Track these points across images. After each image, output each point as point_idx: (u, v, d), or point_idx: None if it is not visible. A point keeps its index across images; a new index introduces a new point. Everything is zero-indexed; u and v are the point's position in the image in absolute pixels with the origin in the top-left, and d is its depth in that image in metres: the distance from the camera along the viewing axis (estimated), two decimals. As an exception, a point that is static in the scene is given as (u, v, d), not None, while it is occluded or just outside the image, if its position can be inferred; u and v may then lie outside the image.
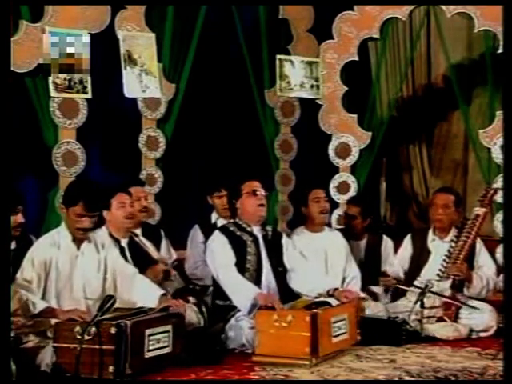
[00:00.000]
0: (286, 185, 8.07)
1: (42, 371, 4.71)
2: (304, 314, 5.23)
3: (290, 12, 8.01)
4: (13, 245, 5.25)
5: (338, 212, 7.80)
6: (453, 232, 6.53)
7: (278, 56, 7.95)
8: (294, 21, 8.04)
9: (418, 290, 6.10)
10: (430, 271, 6.43)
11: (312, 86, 8.05)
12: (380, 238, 7.07)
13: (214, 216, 6.82)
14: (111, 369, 4.60)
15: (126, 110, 7.11)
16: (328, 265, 6.54)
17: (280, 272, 5.95)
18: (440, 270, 6.34)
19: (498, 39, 7.35)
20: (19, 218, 5.04)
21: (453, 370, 5.06)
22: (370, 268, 6.82)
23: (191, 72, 7.28)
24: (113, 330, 4.62)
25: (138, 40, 6.99)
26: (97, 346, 4.62)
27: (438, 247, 6.55)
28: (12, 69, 6.04)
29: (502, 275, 6.21)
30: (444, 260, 6.37)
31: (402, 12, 7.87)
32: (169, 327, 4.98)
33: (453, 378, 4.91)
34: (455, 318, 6.19)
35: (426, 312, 6.06)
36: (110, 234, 5.79)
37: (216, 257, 5.83)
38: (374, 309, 6.24)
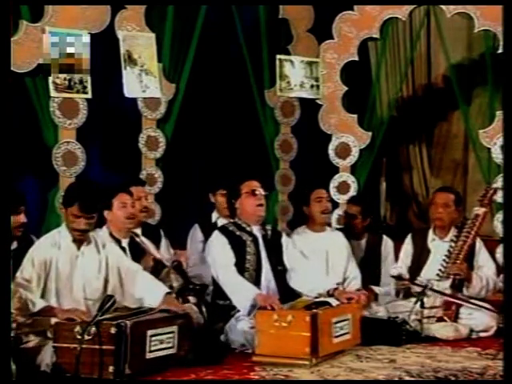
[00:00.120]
0: (286, 185, 8.07)
1: (41, 371, 4.72)
2: (304, 314, 5.22)
3: (290, 12, 8.00)
4: (14, 244, 5.25)
5: (338, 212, 7.80)
6: (452, 232, 6.54)
7: (278, 56, 7.95)
8: (294, 21, 8.04)
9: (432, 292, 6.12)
10: (430, 271, 6.44)
11: (312, 86, 8.05)
12: (380, 238, 7.07)
13: (214, 215, 6.82)
14: (111, 369, 4.60)
15: (126, 110, 7.11)
16: (329, 265, 6.55)
17: (279, 271, 5.95)
18: (440, 269, 6.35)
19: (498, 39, 7.34)
20: (21, 218, 5.03)
21: (453, 369, 5.06)
22: (370, 268, 6.83)
23: (191, 72, 7.28)
24: (113, 330, 4.62)
25: (138, 40, 6.98)
26: (97, 346, 4.61)
27: (438, 247, 6.55)
28: (12, 69, 6.04)
29: (501, 275, 6.22)
30: (444, 260, 6.38)
31: (402, 12, 7.87)
32: (174, 328, 4.98)
33: (453, 378, 4.91)
34: (455, 318, 6.20)
35: (426, 312, 6.07)
36: (111, 234, 5.79)
37: (216, 257, 5.84)
38: (374, 309, 6.25)
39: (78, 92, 6.57)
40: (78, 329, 4.65)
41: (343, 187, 7.95)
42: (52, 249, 5.11)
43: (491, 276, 6.44)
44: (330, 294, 5.77)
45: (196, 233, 6.71)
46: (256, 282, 5.80)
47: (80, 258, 5.17)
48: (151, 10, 7.06)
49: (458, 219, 6.63)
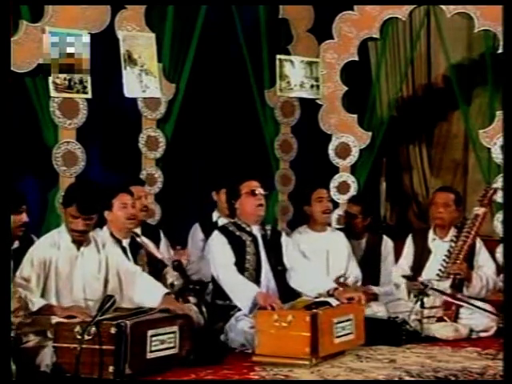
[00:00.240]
0: (286, 185, 8.07)
1: (41, 371, 4.72)
2: (304, 314, 5.22)
3: (290, 12, 8.00)
4: (16, 244, 5.25)
5: (338, 212, 7.80)
6: (452, 231, 6.55)
7: (278, 56, 7.94)
8: (294, 21, 8.03)
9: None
10: (430, 271, 6.44)
11: (312, 86, 8.04)
12: (380, 238, 7.07)
13: (215, 215, 6.83)
14: (111, 369, 4.60)
15: (126, 110, 7.11)
16: (329, 265, 6.56)
17: (279, 271, 5.95)
18: (440, 269, 6.35)
19: (498, 39, 7.34)
20: (23, 218, 5.02)
21: (453, 369, 5.06)
22: (370, 267, 6.83)
23: (191, 72, 7.27)
24: (113, 330, 4.62)
25: (138, 40, 6.98)
26: (97, 346, 4.62)
27: (439, 247, 6.56)
28: (12, 69, 6.04)
29: (501, 275, 6.22)
30: (444, 260, 6.38)
31: (402, 12, 7.87)
32: (175, 328, 4.98)
33: (453, 378, 4.91)
34: (455, 318, 6.20)
35: (426, 312, 6.07)
36: (112, 235, 5.78)
37: (216, 256, 5.85)
38: (374, 309, 6.25)
39: (78, 92, 6.56)
40: (78, 329, 4.65)
41: (343, 187, 7.95)
42: (51, 249, 5.11)
43: (491, 276, 6.45)
44: (330, 294, 5.76)
45: (197, 232, 6.73)
46: (256, 281, 5.80)
47: (80, 258, 5.17)
48: (151, 10, 7.05)
49: (458, 219, 6.64)
